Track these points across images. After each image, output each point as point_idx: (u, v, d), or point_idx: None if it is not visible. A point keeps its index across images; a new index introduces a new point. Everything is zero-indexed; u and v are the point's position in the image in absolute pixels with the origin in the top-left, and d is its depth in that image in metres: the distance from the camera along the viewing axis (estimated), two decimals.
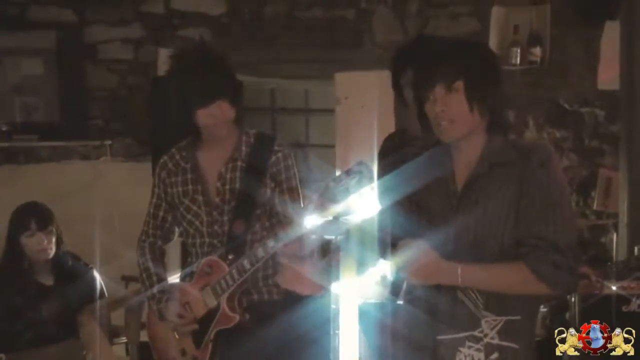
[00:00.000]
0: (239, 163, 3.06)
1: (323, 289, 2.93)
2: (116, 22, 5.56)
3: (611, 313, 3.66)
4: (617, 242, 4.56)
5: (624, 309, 3.75)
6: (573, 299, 3.71)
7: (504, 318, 2.28)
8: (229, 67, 3.02)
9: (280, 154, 3.07)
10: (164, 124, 3.69)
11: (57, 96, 5.40)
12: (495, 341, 2.28)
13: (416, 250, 2.22)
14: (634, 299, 3.76)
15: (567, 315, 3.79)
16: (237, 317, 2.99)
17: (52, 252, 3.98)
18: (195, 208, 3.09)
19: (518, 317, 2.29)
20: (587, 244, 4.65)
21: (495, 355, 2.28)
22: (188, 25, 5.48)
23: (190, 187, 3.10)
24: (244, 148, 3.07)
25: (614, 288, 3.74)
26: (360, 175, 2.53)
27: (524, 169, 2.25)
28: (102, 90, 5.57)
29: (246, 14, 5.43)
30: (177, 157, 3.15)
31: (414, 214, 2.37)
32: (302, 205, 2.96)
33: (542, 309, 3.84)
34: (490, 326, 2.28)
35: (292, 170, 3.09)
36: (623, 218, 4.60)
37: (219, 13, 5.46)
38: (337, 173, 2.62)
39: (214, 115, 2.97)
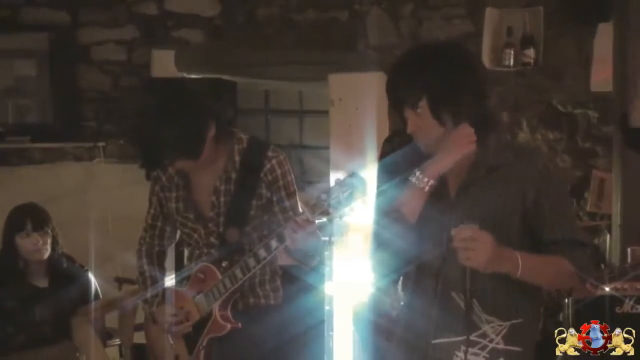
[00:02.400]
0: (233, 174, 2.98)
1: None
2: (109, 24, 5.55)
3: (605, 314, 3.66)
4: (610, 243, 4.56)
5: (618, 310, 3.75)
6: (566, 300, 3.71)
7: (509, 323, 2.28)
8: (194, 117, 2.86)
9: (274, 161, 2.97)
10: None
11: (50, 98, 5.39)
12: (501, 346, 2.28)
13: (475, 234, 2.09)
14: (627, 300, 3.76)
15: (561, 317, 3.79)
16: (229, 326, 2.95)
17: (47, 253, 3.97)
18: (190, 224, 3.05)
19: (522, 321, 2.29)
20: None
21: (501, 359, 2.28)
22: (182, 27, 5.47)
23: (183, 204, 3.04)
24: (237, 158, 2.98)
25: (607, 289, 3.73)
26: (352, 188, 2.49)
27: (527, 170, 2.25)
28: (95, 91, 5.56)
29: (240, 16, 5.43)
30: (171, 170, 3.04)
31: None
32: (300, 209, 2.88)
33: None
34: (495, 331, 2.28)
35: (289, 177, 3.00)
36: (616, 219, 4.59)
37: (213, 14, 5.46)
38: (331, 179, 2.57)
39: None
